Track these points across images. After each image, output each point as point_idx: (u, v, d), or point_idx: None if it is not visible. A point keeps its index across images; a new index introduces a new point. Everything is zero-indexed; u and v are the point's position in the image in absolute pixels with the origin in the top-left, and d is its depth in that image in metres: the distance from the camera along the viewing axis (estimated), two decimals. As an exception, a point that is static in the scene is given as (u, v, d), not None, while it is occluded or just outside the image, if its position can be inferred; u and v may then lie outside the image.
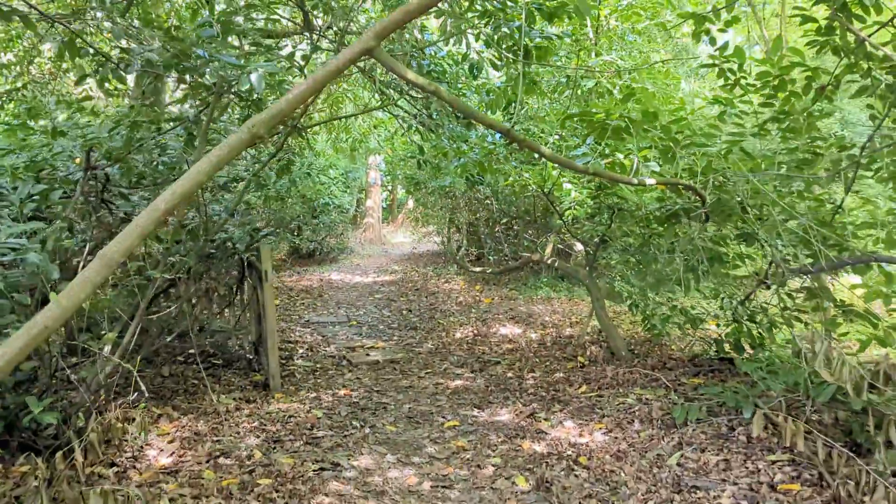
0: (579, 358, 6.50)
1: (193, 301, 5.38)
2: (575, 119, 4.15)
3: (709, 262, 5.28)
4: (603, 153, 5.29)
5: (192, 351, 6.61)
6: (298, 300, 10.55)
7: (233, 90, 3.94)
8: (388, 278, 13.22)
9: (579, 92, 6.58)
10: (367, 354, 6.96)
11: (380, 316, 9.36)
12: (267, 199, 7.28)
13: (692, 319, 5.87)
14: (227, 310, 6.75)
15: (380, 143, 14.38)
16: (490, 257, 11.69)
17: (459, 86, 7.25)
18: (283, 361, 6.65)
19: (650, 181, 3.66)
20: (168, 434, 4.51)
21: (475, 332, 8.14)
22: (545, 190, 6.21)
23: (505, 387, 5.76)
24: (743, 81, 4.57)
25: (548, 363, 6.46)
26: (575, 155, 5.33)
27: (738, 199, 4.64)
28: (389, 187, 27.46)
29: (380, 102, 8.26)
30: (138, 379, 3.67)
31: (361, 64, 7.31)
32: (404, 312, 9.62)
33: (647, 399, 5.08)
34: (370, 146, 15.40)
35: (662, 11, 8.55)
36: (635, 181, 3.59)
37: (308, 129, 7.61)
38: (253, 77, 3.33)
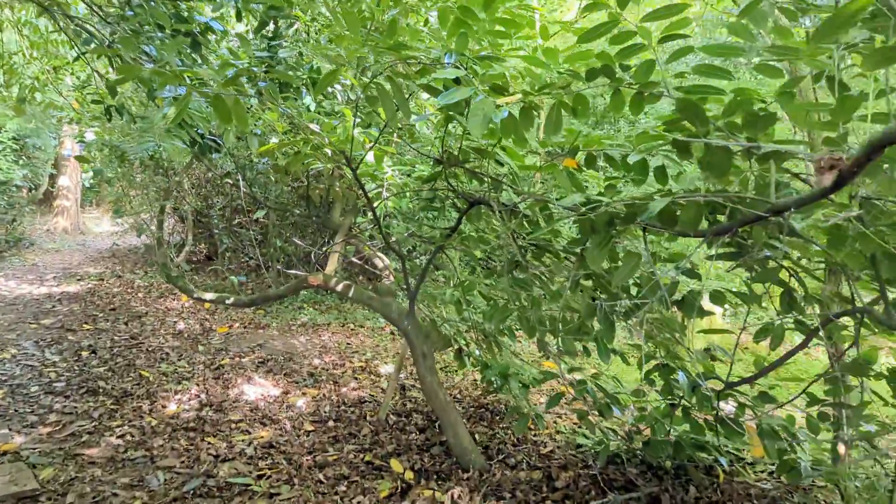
0: (395, 466, 3.63)
1: None
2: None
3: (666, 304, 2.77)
4: (487, 74, 2.48)
5: None
6: None
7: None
8: (73, 288, 9.07)
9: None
10: (-35, 482, 3.35)
11: (40, 364, 5.54)
12: None
13: (605, 404, 3.33)
14: None
15: (65, 96, 9.98)
16: (226, 271, 8.22)
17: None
18: None
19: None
20: None
21: (203, 397, 4.85)
22: (349, 157, 3.20)
23: (265, 581, 2.67)
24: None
25: (343, 487, 3.47)
26: (436, 78, 2.45)
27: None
28: (99, 161, 21.71)
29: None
30: None
31: None
32: (85, 355, 5.90)
33: None
34: (54, 100, 10.75)
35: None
36: None
37: None
38: None
